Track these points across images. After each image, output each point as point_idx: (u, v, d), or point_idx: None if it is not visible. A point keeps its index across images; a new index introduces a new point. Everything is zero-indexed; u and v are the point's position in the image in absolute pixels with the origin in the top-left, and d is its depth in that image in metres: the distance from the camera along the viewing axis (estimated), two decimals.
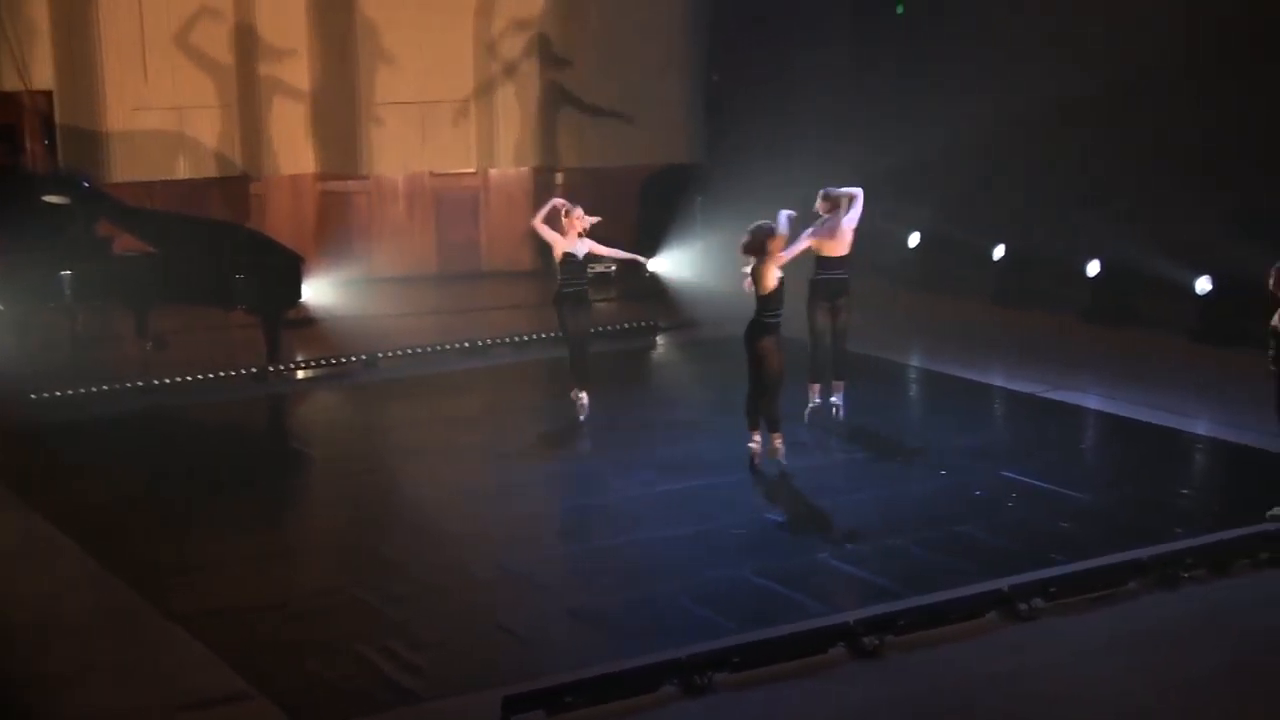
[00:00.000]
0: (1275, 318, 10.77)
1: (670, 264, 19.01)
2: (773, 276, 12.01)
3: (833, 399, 13.76)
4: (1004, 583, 9.71)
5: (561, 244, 13.71)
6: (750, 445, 12.44)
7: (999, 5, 19.09)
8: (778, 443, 12.36)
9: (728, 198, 18.79)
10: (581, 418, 13.95)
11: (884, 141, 19.70)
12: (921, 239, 20.29)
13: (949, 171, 19.50)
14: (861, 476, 12.41)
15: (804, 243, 13.18)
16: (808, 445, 13.20)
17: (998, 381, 15.47)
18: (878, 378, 15.69)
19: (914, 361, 16.58)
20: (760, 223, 12.03)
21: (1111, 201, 17.49)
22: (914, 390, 15.94)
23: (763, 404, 12.32)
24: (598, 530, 11.43)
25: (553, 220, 13.84)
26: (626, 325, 17.98)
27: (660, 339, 17.56)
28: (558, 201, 13.93)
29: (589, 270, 14.17)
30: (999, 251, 19.23)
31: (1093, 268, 17.99)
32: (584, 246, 13.78)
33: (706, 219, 20.22)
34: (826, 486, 12.17)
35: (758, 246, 11.95)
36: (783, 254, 12.11)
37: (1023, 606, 9.50)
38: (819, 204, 13.61)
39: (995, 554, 10.50)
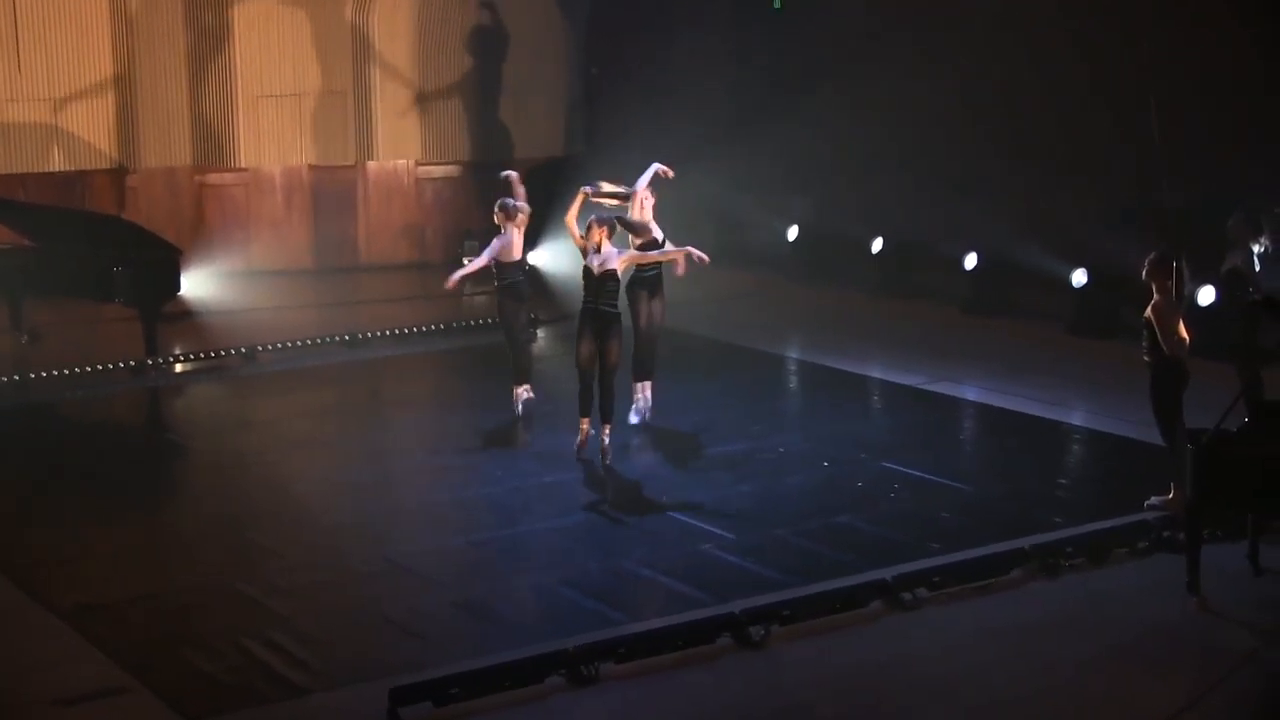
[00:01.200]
0: (1148, 309, 10.90)
1: (550, 257, 18.88)
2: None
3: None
4: (887, 572, 9.72)
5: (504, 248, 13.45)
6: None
7: None
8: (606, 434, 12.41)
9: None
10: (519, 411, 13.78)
11: (763, 134, 19.74)
12: (800, 232, 20.36)
13: (827, 164, 19.60)
14: (743, 468, 12.34)
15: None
16: (688, 436, 13.16)
17: (877, 373, 15.55)
18: (758, 370, 15.73)
19: (793, 354, 16.62)
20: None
21: (990, 195, 17.65)
22: (794, 383, 15.97)
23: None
24: (480, 522, 11.29)
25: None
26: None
27: (539, 332, 17.44)
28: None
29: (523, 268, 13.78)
30: (878, 244, 19.34)
31: (970, 260, 18.15)
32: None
33: (586, 211, 20.06)
34: (708, 479, 12.13)
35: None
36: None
37: (906, 596, 9.52)
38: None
39: (878, 544, 10.51)
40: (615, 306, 12.41)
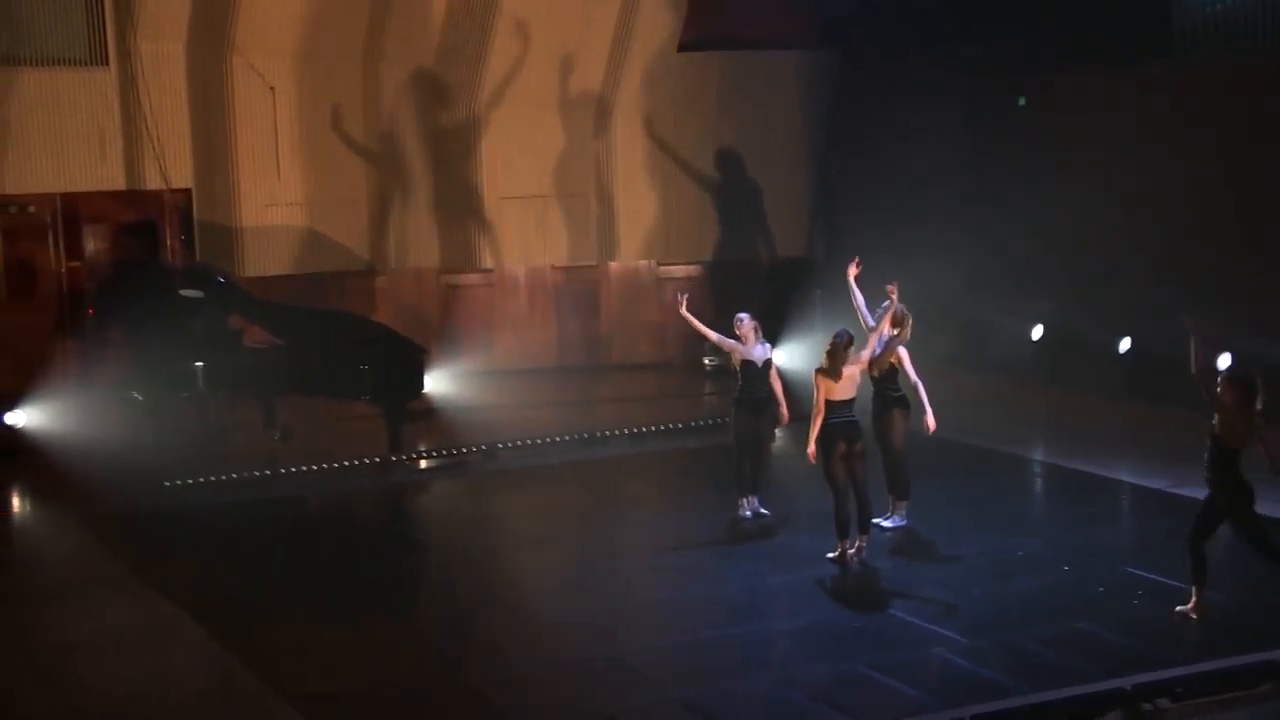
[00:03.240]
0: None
1: (788, 357, 18.83)
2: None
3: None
4: (1126, 681, 9.33)
5: (740, 350, 13.53)
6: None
7: (1120, 95, 18.76)
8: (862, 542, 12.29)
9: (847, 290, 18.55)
10: (748, 515, 13.68)
11: (1004, 233, 19.40)
12: (1044, 332, 19.90)
13: (1071, 263, 19.14)
14: (980, 571, 12.00)
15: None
16: (924, 538, 12.87)
17: (1122, 476, 15.00)
18: (998, 472, 15.33)
19: (1035, 456, 16.16)
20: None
21: (1244, 297, 16.97)
22: (1036, 485, 15.51)
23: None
24: (707, 621, 11.17)
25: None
26: None
27: (778, 432, 17.30)
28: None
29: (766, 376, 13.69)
30: (1125, 344, 18.77)
31: (1223, 362, 17.42)
32: (762, 353, 13.55)
33: (826, 312, 19.99)
34: (943, 581, 11.83)
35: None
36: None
37: (1147, 707, 9.12)
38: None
39: (1118, 652, 10.09)
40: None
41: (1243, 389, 10.16)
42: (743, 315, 13.65)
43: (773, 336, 18.69)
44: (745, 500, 13.69)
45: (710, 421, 17.45)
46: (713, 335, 13.77)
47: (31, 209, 19.63)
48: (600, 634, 10.81)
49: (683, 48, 21.68)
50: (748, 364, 13.44)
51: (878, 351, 12.68)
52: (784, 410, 13.55)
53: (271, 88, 20.29)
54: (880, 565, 12.27)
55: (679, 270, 22.21)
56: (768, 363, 13.54)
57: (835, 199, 22.49)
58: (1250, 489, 10.35)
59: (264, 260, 20.46)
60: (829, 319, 19.12)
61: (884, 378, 12.96)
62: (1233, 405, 10.18)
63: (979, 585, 11.63)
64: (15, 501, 15.60)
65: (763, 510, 13.70)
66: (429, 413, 17.86)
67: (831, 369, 12.14)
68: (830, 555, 12.22)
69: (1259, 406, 10.10)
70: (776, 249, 22.35)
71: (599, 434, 17.19)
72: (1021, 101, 20.79)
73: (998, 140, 20.70)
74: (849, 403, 12.22)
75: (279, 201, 20.53)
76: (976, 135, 21.00)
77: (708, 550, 12.98)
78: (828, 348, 12.21)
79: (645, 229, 22.09)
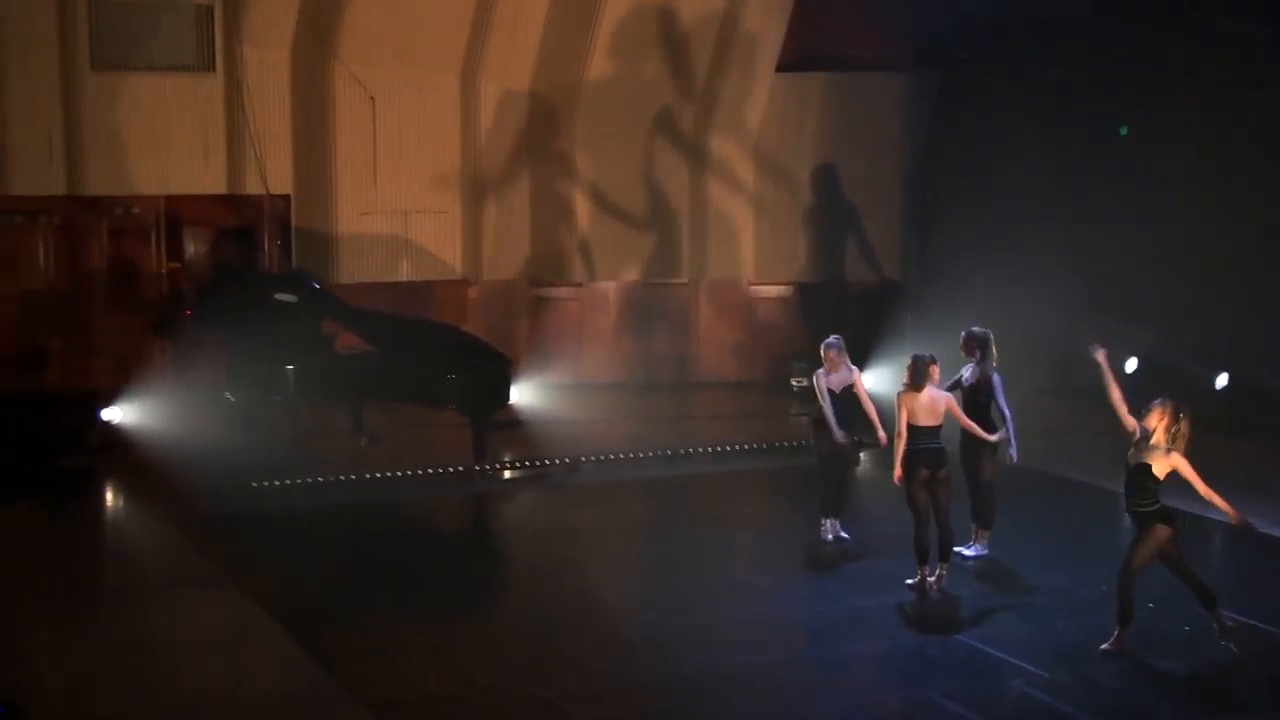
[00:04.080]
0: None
1: (878, 381, 18.71)
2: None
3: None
4: None
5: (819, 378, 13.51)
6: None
7: (1223, 121, 18.50)
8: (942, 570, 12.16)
9: (938, 316, 18.45)
10: (829, 537, 13.65)
11: (1101, 260, 19.17)
12: (1140, 364, 19.61)
13: (1170, 293, 18.86)
14: (1065, 604, 11.84)
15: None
16: (1010, 568, 12.73)
17: (1216, 514, 14.66)
18: (1090, 505, 14.98)
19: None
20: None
21: None
22: (1125, 519, 15.15)
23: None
24: (781, 643, 11.16)
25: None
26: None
27: (863, 455, 17.21)
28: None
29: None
30: (1222, 380, 18.48)
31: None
32: (839, 379, 13.47)
33: (916, 337, 19.84)
34: (1027, 613, 11.69)
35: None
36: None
37: None
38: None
39: (1200, 692, 9.96)
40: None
41: (1169, 415, 10.52)
42: (830, 340, 13.60)
43: (862, 361, 18.69)
44: (827, 523, 13.63)
45: (795, 443, 17.22)
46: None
47: (136, 211, 19.97)
48: (675, 651, 10.79)
49: (781, 68, 21.64)
50: (829, 392, 13.40)
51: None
52: (880, 434, 13.42)
53: (372, 98, 20.50)
54: (961, 593, 12.14)
55: (770, 290, 22.15)
56: (848, 388, 13.45)
57: (929, 223, 22.31)
58: (1167, 516, 10.50)
59: (358, 267, 20.67)
60: (919, 343, 19.05)
61: (975, 406, 12.86)
62: (1157, 431, 10.52)
63: (1062, 618, 11.47)
64: (108, 497, 15.85)
65: (844, 534, 13.63)
66: (514, 423, 17.94)
67: (912, 388, 12.04)
68: (909, 582, 12.12)
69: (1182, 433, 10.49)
70: (869, 272, 22.22)
71: (683, 451, 17.17)
72: (1123, 131, 20.55)
73: (1096, 166, 20.47)
74: (934, 430, 12.11)
75: (375, 210, 20.74)
76: (1075, 161, 20.78)
77: (787, 571, 12.94)
78: (909, 367, 12.13)
79: (737, 248, 22.05)
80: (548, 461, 16.73)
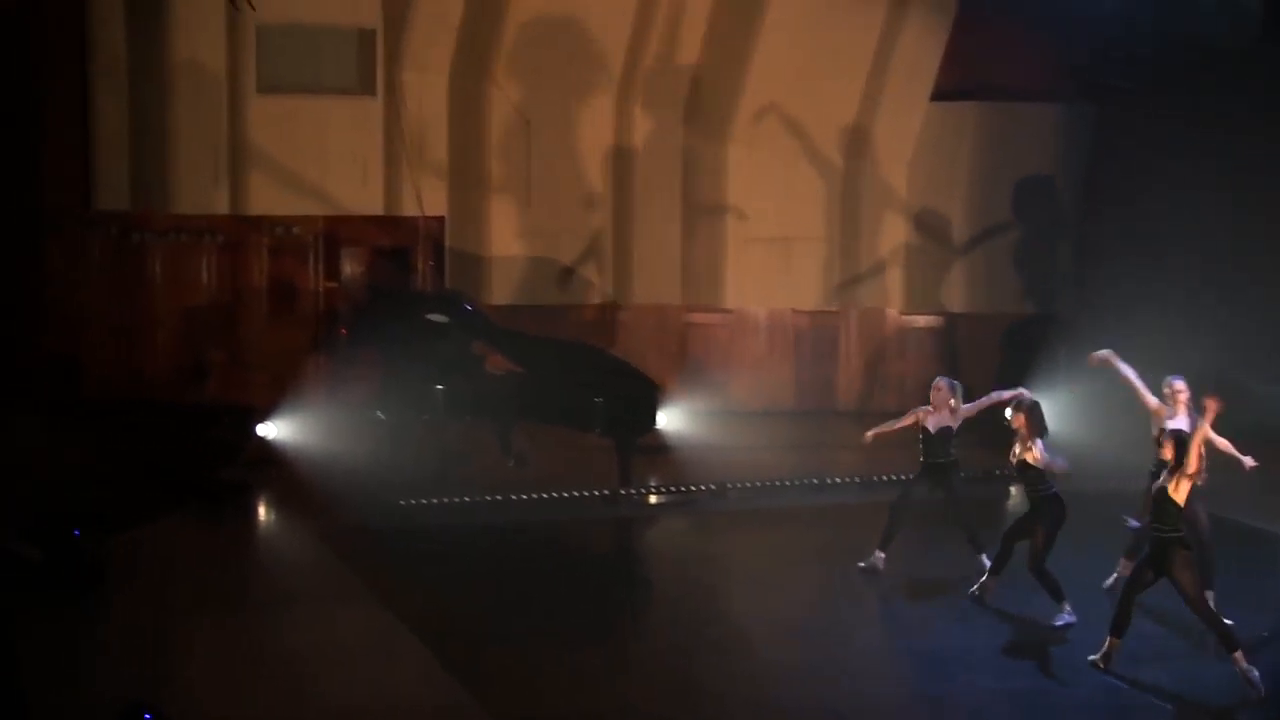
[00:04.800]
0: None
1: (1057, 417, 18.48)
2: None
3: None
4: None
5: (919, 415, 13.53)
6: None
7: None
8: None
9: (1093, 349, 18.08)
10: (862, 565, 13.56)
11: (1264, 296, 18.66)
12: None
13: None
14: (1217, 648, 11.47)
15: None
16: (1166, 610, 12.40)
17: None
18: (1259, 551, 14.58)
19: None
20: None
21: None
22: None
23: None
24: (921, 675, 11.05)
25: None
26: (977, 472, 17.20)
27: (1013, 489, 16.97)
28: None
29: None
30: None
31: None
32: (937, 421, 13.41)
33: (1070, 373, 19.52)
34: (1175, 657, 11.38)
35: None
36: None
37: None
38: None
39: None
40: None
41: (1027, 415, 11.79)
42: (940, 381, 13.53)
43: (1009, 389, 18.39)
44: (878, 555, 13.48)
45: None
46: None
47: (296, 230, 20.39)
48: (818, 680, 10.74)
49: (936, 96, 21.47)
50: (924, 430, 13.37)
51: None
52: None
53: (527, 120, 20.72)
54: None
55: (920, 320, 21.98)
56: (944, 430, 13.32)
57: (1086, 255, 21.94)
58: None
59: (509, 289, 20.87)
60: (1073, 377, 18.73)
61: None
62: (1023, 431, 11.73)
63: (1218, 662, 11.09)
64: (261, 510, 16.18)
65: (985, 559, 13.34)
66: (661, 448, 17.95)
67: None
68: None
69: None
70: (1022, 303, 21.92)
71: (831, 480, 17.10)
72: None
73: (1260, 200, 19.96)
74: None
75: (528, 232, 20.94)
76: (1237, 193, 20.28)
77: (930, 603, 12.82)
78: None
79: (889, 276, 21.90)
80: (694, 487, 16.73)
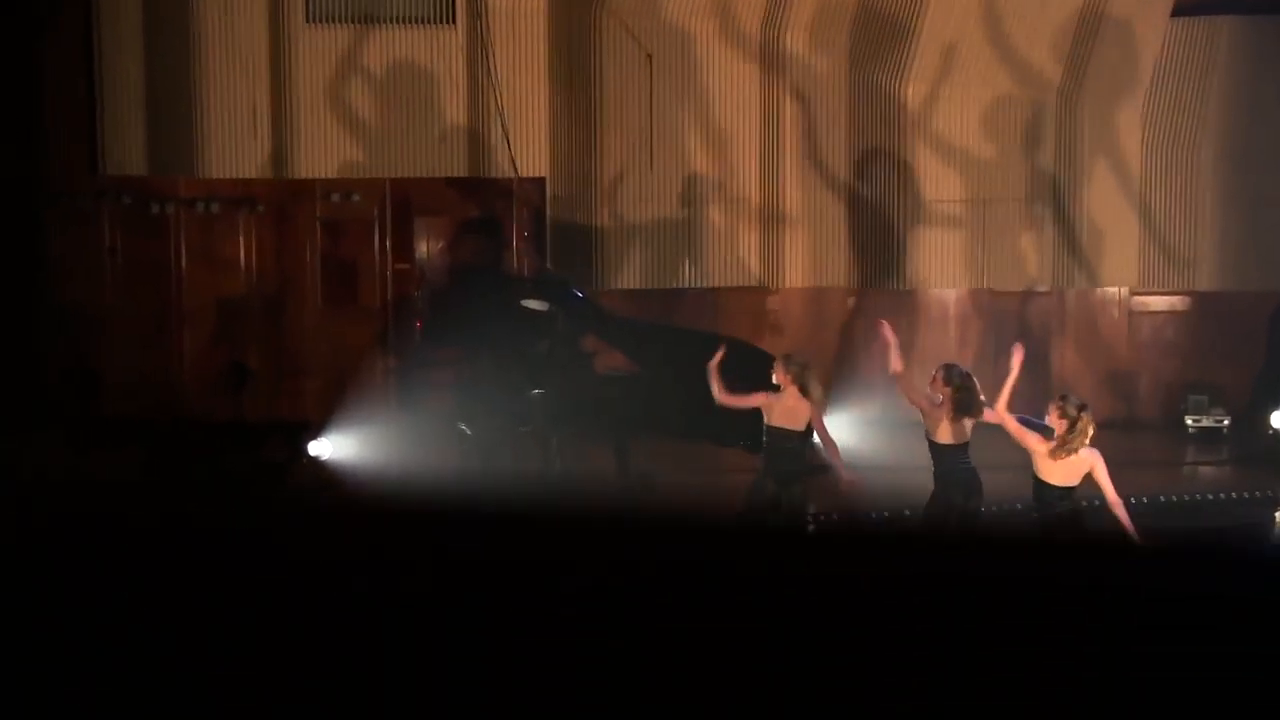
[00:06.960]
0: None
1: None
2: None
3: None
4: None
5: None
6: None
7: None
8: None
9: None
10: None
11: None
12: None
13: None
14: None
15: None
16: None
17: None
18: None
19: None
20: None
21: None
22: None
23: None
24: None
25: None
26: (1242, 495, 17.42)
27: None
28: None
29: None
30: None
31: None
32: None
33: None
34: None
35: None
36: None
37: None
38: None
39: None
40: None
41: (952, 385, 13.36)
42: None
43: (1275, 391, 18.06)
44: None
45: (1190, 497, 17.05)
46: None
47: (356, 198, 20.33)
48: None
49: (1178, 11, 20.91)
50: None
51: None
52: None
53: (649, 55, 20.48)
54: None
55: (1159, 301, 21.66)
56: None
57: None
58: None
59: (627, 269, 20.75)
60: None
61: None
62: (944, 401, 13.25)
63: None
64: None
65: None
66: (818, 468, 17.54)
67: None
68: None
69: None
70: None
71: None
72: None
73: None
74: None
75: (650, 197, 20.70)
76: None
77: None
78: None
79: (1117, 246, 21.50)
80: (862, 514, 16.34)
